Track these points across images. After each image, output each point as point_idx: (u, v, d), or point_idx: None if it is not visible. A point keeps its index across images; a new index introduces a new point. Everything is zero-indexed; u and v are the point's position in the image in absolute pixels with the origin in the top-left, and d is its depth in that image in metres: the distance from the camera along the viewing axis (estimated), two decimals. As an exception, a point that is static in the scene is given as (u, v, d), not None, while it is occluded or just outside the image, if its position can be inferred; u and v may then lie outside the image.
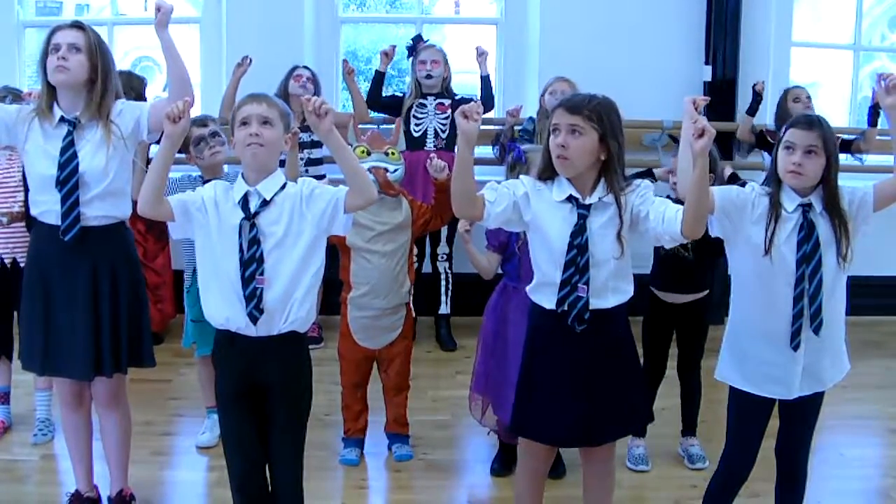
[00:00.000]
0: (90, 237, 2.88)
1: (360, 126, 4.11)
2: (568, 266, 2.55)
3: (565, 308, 2.57)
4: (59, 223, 2.85)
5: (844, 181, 2.68)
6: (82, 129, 2.86)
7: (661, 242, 2.61)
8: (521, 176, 2.70)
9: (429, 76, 5.13)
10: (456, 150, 2.53)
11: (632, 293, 2.65)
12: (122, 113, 2.92)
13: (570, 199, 2.57)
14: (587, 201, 2.57)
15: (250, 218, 2.54)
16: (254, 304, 2.52)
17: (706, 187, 2.48)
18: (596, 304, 2.57)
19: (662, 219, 2.54)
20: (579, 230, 2.54)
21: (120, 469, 3.15)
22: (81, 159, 2.84)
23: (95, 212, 2.88)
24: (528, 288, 2.72)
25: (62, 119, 2.86)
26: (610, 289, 2.60)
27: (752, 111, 5.20)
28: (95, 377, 2.96)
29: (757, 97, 5.15)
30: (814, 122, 2.63)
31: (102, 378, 2.97)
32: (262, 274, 2.52)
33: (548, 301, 2.61)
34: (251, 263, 2.52)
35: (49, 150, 2.85)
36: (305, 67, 5.14)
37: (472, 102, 2.48)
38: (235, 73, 5.03)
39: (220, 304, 2.57)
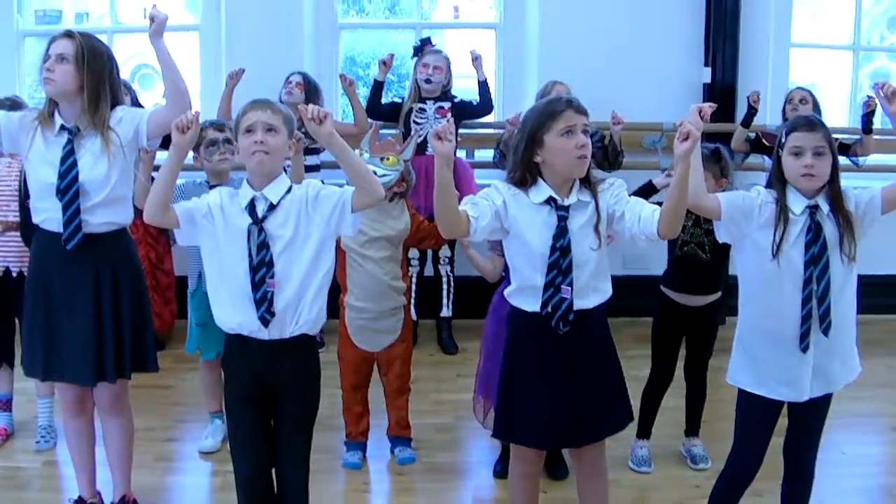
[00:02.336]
0: (91, 244, 2.89)
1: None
2: (551, 268, 2.55)
3: (549, 310, 2.57)
4: (61, 230, 2.86)
5: (842, 181, 2.67)
6: (82, 137, 2.87)
7: (637, 242, 2.61)
8: (496, 182, 2.67)
9: (428, 80, 5.11)
10: (435, 172, 2.46)
11: (611, 293, 2.67)
12: (122, 120, 2.92)
13: (548, 200, 2.58)
14: (566, 202, 2.58)
15: (258, 222, 2.55)
16: (265, 307, 2.54)
17: (686, 189, 2.49)
18: (578, 304, 2.58)
19: (639, 219, 2.56)
20: (561, 232, 2.55)
21: (123, 475, 3.15)
22: (81, 168, 2.85)
23: (99, 219, 2.89)
24: (506, 292, 2.72)
25: (62, 127, 2.88)
26: (591, 288, 2.60)
27: (746, 123, 5.04)
28: (98, 382, 2.97)
29: (752, 109, 4.99)
30: (816, 123, 2.64)
31: (105, 383, 2.97)
32: (272, 277, 2.54)
33: (529, 305, 2.61)
34: (261, 268, 2.54)
35: (50, 157, 2.86)
36: (298, 73, 5.13)
37: (445, 123, 2.47)
38: (228, 83, 5.04)
39: (231, 309, 2.59)
